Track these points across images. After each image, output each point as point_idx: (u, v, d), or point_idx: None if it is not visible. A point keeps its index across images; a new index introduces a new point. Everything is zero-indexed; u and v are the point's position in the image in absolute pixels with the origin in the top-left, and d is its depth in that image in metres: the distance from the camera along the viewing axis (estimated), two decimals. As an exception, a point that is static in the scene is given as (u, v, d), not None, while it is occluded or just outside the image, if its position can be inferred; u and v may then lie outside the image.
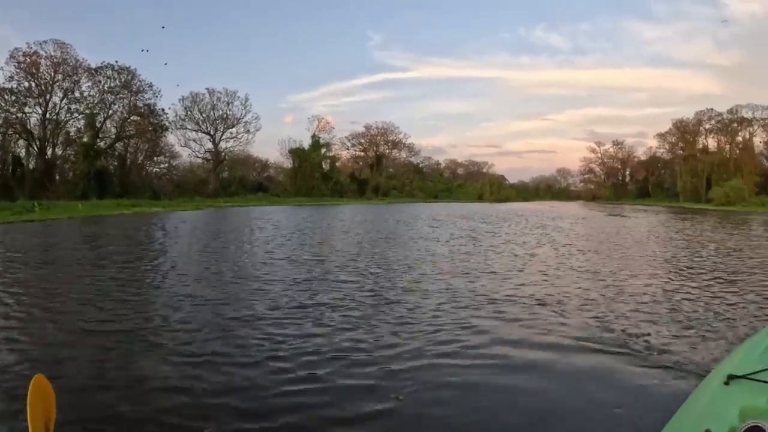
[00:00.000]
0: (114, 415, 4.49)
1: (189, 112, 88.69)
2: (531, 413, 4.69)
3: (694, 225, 33.30)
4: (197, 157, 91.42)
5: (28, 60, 61.00)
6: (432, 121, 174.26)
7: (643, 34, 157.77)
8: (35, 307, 8.59)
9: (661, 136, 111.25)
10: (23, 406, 1.71)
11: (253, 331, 7.08)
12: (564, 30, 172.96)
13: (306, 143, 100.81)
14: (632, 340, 6.74)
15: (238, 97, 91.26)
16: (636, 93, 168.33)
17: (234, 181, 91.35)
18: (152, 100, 73.39)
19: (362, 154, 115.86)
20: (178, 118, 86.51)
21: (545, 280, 11.32)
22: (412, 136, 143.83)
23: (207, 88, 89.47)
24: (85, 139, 66.52)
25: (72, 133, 67.64)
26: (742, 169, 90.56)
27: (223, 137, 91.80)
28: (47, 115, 63.64)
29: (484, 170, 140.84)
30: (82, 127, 67.36)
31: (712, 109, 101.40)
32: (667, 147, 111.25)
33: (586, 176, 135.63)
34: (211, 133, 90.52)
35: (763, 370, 2.67)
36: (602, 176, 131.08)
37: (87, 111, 66.80)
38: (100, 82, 68.19)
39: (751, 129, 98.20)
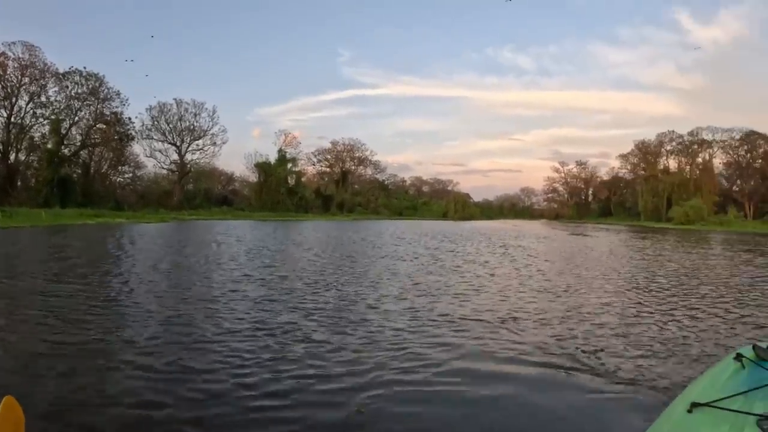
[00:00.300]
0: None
1: (156, 122, 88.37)
2: (489, 428, 4.81)
3: (654, 244, 33.88)
4: (162, 168, 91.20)
5: (-5, 61, 59.50)
6: (399, 138, 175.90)
7: (609, 58, 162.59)
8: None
9: (624, 156, 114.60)
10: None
11: (218, 349, 6.98)
12: (531, 51, 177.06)
13: (272, 157, 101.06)
14: (591, 359, 6.82)
15: (206, 108, 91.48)
16: (600, 114, 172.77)
17: (199, 193, 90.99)
18: (119, 108, 73.32)
19: (328, 169, 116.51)
20: (144, 127, 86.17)
21: (504, 300, 11.26)
22: (379, 152, 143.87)
23: (175, 99, 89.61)
24: (49, 146, 65.62)
25: (36, 139, 66.98)
26: (701, 189, 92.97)
27: (189, 149, 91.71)
28: (12, 119, 62.92)
29: (449, 188, 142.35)
30: (47, 133, 66.62)
31: (673, 131, 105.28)
32: (629, 167, 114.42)
33: (550, 195, 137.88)
34: (178, 144, 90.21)
35: (726, 398, 2.67)
36: (565, 195, 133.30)
37: (53, 116, 66.24)
38: (67, 87, 67.86)
39: (710, 150, 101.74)
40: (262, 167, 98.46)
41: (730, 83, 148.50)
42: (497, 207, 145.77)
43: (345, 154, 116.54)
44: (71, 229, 36.76)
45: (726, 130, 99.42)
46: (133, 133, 78.92)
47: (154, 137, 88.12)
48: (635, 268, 18.59)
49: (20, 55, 62.32)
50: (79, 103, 68.55)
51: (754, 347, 4.65)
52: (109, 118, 71.79)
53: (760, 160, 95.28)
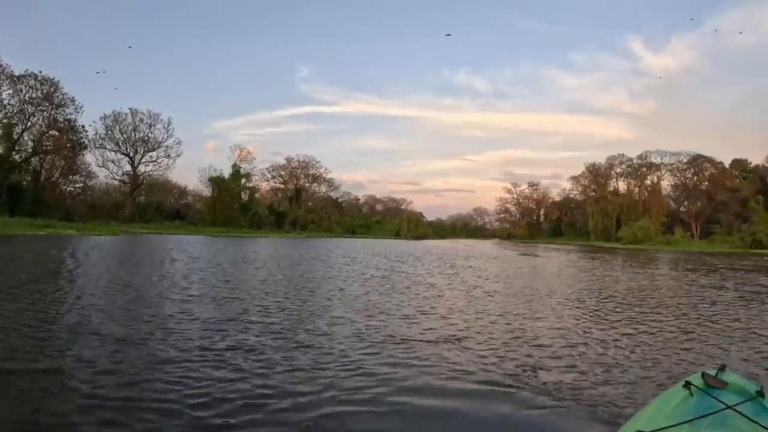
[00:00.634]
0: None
1: (110, 132, 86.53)
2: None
3: (603, 264, 34.46)
4: (114, 179, 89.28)
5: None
6: (354, 157, 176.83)
7: (563, 82, 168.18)
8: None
9: (575, 178, 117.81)
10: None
11: (164, 373, 6.71)
12: (487, 74, 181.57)
13: (226, 172, 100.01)
14: (532, 379, 6.90)
15: (161, 120, 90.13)
16: (553, 137, 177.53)
17: (151, 206, 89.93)
18: (73, 116, 71.46)
19: (282, 186, 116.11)
20: (98, 136, 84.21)
21: (450, 322, 11.16)
22: (333, 170, 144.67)
23: (130, 108, 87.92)
24: (0, 151, 63.08)
25: (-14, 143, 63.96)
26: (650, 210, 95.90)
27: (143, 160, 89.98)
28: (-39, 121, 60.40)
29: (403, 207, 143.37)
30: (-2, 137, 63.87)
31: (623, 155, 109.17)
32: (580, 189, 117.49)
33: (502, 215, 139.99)
34: (131, 155, 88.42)
35: (673, 426, 2.62)
36: (517, 216, 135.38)
37: (5, 121, 63.98)
38: (21, 91, 65.77)
39: (659, 173, 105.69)
40: (216, 182, 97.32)
41: (679, 109, 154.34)
42: (450, 226, 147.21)
43: (299, 170, 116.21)
44: (20, 239, 35.66)
45: (674, 154, 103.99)
46: (86, 142, 77.29)
47: (108, 147, 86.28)
48: (583, 289, 18.69)
49: (-28, 56, 60.14)
50: (33, 108, 66.60)
51: (703, 375, 4.67)
52: (62, 125, 70.06)
53: (706, 183, 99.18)
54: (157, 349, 7.88)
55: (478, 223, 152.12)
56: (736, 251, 63.25)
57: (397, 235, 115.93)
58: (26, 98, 66.02)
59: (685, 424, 2.67)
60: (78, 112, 71.86)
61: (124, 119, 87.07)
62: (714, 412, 3.00)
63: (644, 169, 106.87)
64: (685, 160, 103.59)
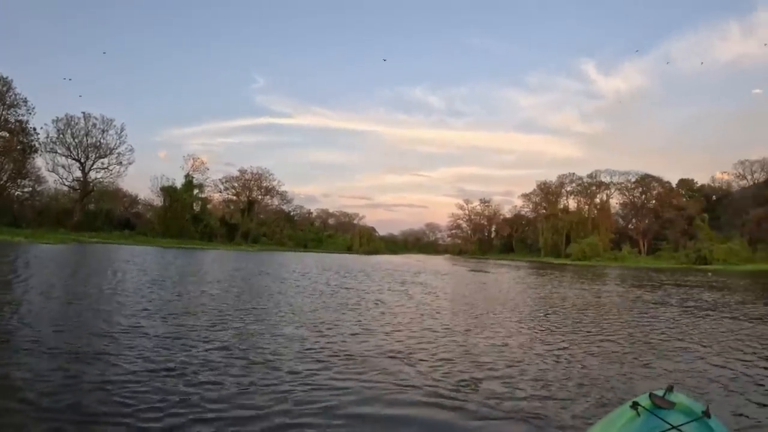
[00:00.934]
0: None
1: (62, 136, 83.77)
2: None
3: (552, 281, 34.95)
4: (64, 184, 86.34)
5: None
6: (307, 170, 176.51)
7: (517, 102, 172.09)
8: None
9: (526, 196, 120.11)
10: None
11: (115, 389, 6.60)
12: (442, 92, 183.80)
13: (179, 182, 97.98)
14: (477, 396, 7.03)
15: (115, 125, 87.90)
16: (505, 155, 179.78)
17: (100, 214, 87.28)
18: (25, 117, 69.25)
19: (235, 198, 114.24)
20: (49, 140, 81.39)
21: (398, 340, 11.15)
22: (287, 183, 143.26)
23: (83, 113, 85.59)
24: None
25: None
26: (599, 227, 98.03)
27: (94, 166, 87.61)
28: None
29: (355, 221, 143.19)
30: (-55, 137, 61.21)
31: (573, 173, 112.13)
32: (531, 206, 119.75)
33: (454, 231, 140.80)
34: (82, 160, 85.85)
35: None
36: (469, 232, 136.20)
37: None
38: None
39: (608, 192, 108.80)
40: (168, 191, 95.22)
41: (629, 130, 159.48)
42: (402, 241, 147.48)
43: (253, 182, 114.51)
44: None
45: (623, 173, 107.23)
46: (37, 145, 75.10)
47: (59, 151, 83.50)
48: (529, 306, 18.89)
49: None
50: (-18, 107, 64.01)
51: (651, 395, 4.71)
52: (13, 126, 67.89)
53: (653, 201, 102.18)
54: (108, 365, 7.76)
55: (430, 239, 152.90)
56: (681, 267, 64.88)
57: (349, 249, 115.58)
58: (-25, 96, 63.65)
59: None
60: (30, 114, 70.15)
61: (77, 123, 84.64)
62: None
63: (594, 187, 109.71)
64: (633, 180, 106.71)
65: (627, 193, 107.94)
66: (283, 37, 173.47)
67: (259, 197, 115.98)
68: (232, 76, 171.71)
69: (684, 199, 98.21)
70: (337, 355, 9.23)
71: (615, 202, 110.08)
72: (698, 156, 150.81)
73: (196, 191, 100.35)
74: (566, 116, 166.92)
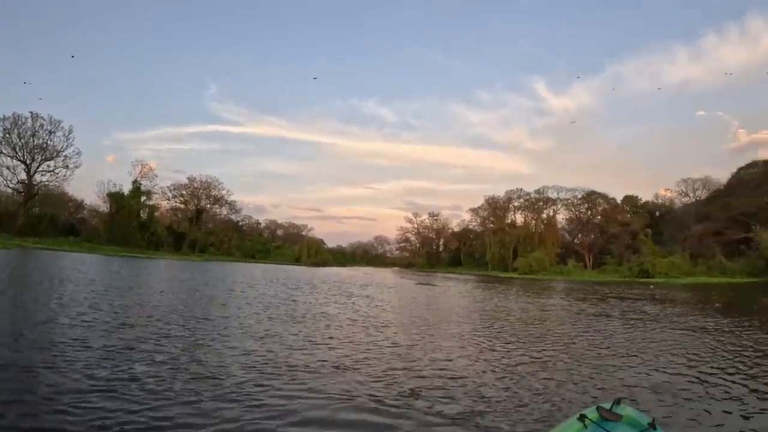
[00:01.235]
0: None
1: (7, 135, 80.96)
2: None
3: (498, 294, 35.18)
4: (8, 186, 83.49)
5: None
6: (257, 179, 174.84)
7: (468, 117, 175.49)
8: None
9: (475, 210, 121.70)
10: None
11: (58, 403, 6.56)
12: (394, 105, 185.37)
13: (126, 188, 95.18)
14: (418, 408, 7.17)
15: (62, 127, 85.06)
16: (455, 169, 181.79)
17: (45, 219, 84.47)
18: None
19: (182, 206, 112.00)
20: None
21: (342, 353, 11.13)
22: (236, 192, 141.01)
23: (31, 112, 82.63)
24: None
25: None
26: (545, 241, 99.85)
27: (40, 169, 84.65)
28: None
29: (304, 233, 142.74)
30: None
31: (521, 189, 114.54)
32: (479, 220, 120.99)
33: (402, 244, 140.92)
34: (27, 162, 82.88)
35: None
36: (417, 245, 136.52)
37: None
38: None
39: (555, 207, 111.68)
40: (115, 197, 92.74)
41: (576, 148, 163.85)
42: (350, 254, 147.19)
43: (201, 191, 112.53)
44: None
45: (570, 190, 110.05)
46: None
47: (4, 152, 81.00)
48: (474, 320, 18.93)
49: None
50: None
51: (598, 408, 4.65)
52: None
53: (599, 217, 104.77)
54: (51, 378, 7.71)
55: (378, 252, 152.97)
56: (624, 280, 66.33)
57: (298, 261, 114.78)
58: None
59: None
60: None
61: (24, 123, 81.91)
62: None
63: (541, 203, 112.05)
64: (579, 196, 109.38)
65: (573, 209, 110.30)
66: (238, 44, 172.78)
67: (208, 206, 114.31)
68: (184, 82, 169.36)
69: (628, 215, 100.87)
70: (282, 368, 9.30)
71: (561, 217, 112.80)
72: (643, 174, 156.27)
73: (143, 198, 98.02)
74: (516, 133, 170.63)
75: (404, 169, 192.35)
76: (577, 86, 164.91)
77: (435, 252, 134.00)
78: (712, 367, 10.60)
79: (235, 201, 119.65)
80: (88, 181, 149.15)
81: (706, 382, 9.27)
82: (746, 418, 7.26)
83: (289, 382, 8.36)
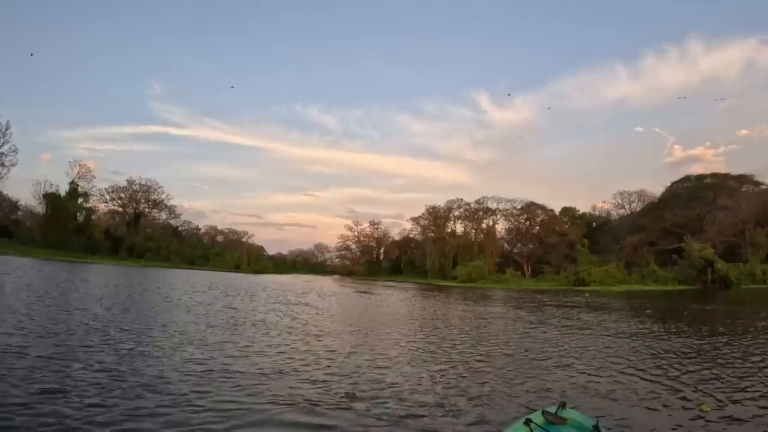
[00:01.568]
0: None
1: None
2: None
3: (437, 302, 35.49)
4: None
5: None
6: (198, 184, 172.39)
7: (411, 127, 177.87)
8: None
9: (415, 219, 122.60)
10: None
11: None
12: (339, 113, 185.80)
13: (63, 189, 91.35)
14: (359, 412, 7.27)
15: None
16: (397, 178, 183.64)
17: None
18: None
19: (121, 209, 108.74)
20: None
21: (283, 361, 11.09)
22: (176, 196, 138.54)
23: None
24: None
25: None
26: (485, 250, 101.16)
27: None
28: None
29: (244, 239, 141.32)
30: None
31: (461, 199, 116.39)
32: (420, 229, 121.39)
33: (343, 252, 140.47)
34: None
35: None
36: (358, 253, 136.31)
37: None
38: None
39: (494, 217, 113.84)
40: (51, 199, 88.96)
41: (516, 159, 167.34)
42: (291, 261, 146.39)
43: (140, 194, 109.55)
44: None
45: (509, 200, 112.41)
46: None
47: None
48: (414, 327, 19.11)
49: None
50: None
51: (544, 412, 4.67)
52: None
53: (537, 227, 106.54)
54: None
55: (319, 259, 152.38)
56: (561, 288, 67.64)
57: (237, 268, 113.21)
58: None
59: None
60: None
61: None
62: None
63: (481, 213, 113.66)
64: (519, 206, 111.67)
65: (512, 219, 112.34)
66: (184, 45, 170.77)
67: (147, 210, 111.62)
68: (126, 79, 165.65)
69: (566, 226, 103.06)
70: (222, 374, 9.34)
71: (501, 227, 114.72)
72: (581, 186, 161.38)
73: (80, 200, 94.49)
74: (458, 144, 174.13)
75: (346, 177, 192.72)
76: (519, 100, 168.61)
77: (375, 260, 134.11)
78: (645, 370, 10.93)
79: (174, 205, 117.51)
80: (24, 180, 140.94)
81: (640, 384, 9.57)
82: (676, 416, 7.57)
83: (229, 388, 8.35)
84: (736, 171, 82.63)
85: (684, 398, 8.56)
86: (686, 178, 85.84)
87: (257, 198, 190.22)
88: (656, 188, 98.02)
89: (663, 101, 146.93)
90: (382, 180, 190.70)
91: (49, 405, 6.79)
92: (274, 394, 8.12)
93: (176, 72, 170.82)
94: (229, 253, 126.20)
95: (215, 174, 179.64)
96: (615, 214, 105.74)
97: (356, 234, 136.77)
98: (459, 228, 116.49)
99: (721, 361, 12.18)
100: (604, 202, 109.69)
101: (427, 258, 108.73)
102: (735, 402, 8.42)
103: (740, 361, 12.21)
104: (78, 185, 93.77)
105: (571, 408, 5.34)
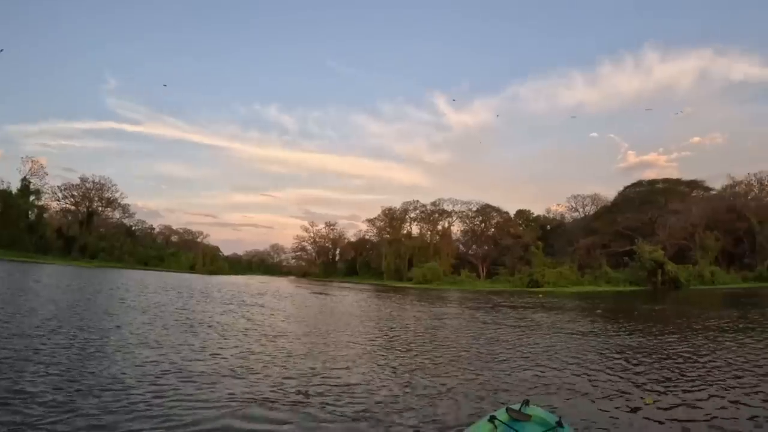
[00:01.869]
0: None
1: None
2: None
3: (392, 303, 35.61)
4: None
5: None
6: (152, 182, 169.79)
7: (369, 128, 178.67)
8: None
9: (371, 221, 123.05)
10: None
11: None
12: (297, 113, 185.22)
13: (15, 186, 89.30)
14: (313, 411, 7.25)
15: None
16: (354, 179, 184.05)
17: None
18: None
19: (73, 207, 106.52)
20: None
21: (237, 361, 11.01)
22: (130, 195, 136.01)
23: None
24: None
25: None
26: (440, 252, 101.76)
27: None
28: None
29: (199, 240, 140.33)
30: None
31: (417, 201, 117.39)
32: (375, 231, 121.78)
33: (299, 253, 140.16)
34: None
35: None
36: (314, 254, 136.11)
37: None
38: None
39: (450, 219, 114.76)
40: (2, 196, 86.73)
41: (472, 162, 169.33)
42: (247, 262, 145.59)
43: (94, 192, 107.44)
44: None
45: (465, 203, 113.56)
46: None
47: None
48: (369, 328, 19.08)
49: None
50: None
51: (507, 409, 4.72)
52: None
53: (492, 229, 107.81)
54: None
55: (274, 260, 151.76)
56: (515, 289, 68.55)
57: (192, 269, 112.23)
58: None
59: None
60: None
61: None
62: None
63: (437, 214, 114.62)
64: (474, 209, 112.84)
65: (468, 221, 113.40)
66: (142, 39, 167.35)
67: (100, 209, 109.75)
68: (81, 72, 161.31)
69: (521, 228, 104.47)
70: (177, 376, 9.24)
71: (456, 229, 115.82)
72: (536, 189, 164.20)
73: (32, 198, 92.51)
74: (415, 146, 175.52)
75: (303, 177, 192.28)
76: (478, 104, 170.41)
77: (331, 261, 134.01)
78: (600, 367, 11.15)
79: (128, 204, 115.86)
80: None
81: (596, 380, 9.77)
82: (634, 410, 7.74)
83: (184, 390, 8.29)
84: (687, 177, 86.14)
85: (629, 392, 8.77)
86: (639, 183, 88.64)
87: (214, 198, 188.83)
88: (609, 192, 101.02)
89: (618, 108, 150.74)
90: (339, 181, 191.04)
91: (3, 409, 6.69)
92: (231, 393, 8.15)
93: (133, 67, 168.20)
94: (183, 253, 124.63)
95: (171, 172, 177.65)
96: (569, 217, 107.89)
97: (312, 235, 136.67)
98: (415, 230, 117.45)
99: (669, 357, 12.45)
100: (558, 205, 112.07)
101: (382, 259, 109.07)
102: (679, 393, 8.72)
103: (686, 356, 12.49)
104: (30, 182, 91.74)
105: (535, 405, 5.41)
